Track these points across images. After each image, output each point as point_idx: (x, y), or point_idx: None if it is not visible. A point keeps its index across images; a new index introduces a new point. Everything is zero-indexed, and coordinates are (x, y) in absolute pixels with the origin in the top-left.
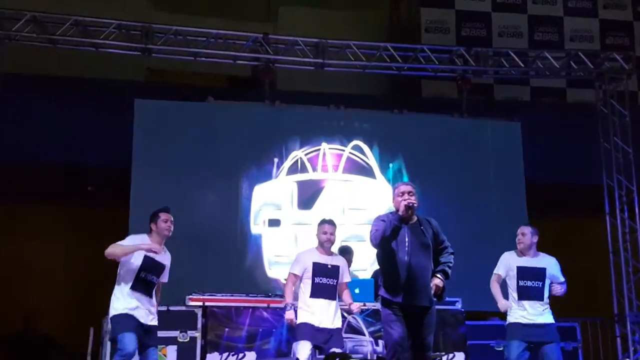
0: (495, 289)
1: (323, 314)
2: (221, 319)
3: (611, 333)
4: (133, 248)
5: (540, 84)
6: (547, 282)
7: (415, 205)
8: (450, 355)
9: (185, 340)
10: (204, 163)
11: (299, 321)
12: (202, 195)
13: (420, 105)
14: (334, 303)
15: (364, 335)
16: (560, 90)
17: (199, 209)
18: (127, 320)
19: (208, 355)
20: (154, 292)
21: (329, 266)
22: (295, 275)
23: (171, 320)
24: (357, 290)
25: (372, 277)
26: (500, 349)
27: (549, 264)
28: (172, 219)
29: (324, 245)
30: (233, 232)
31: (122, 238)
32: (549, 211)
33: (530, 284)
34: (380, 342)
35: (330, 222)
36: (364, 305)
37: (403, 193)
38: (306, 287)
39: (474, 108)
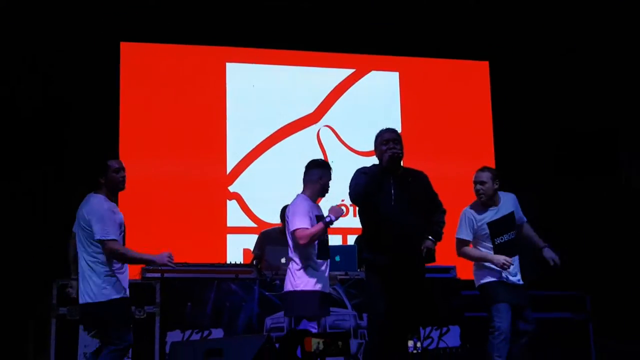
0: (473, 252)
1: None
2: (183, 292)
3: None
4: None
5: None
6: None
7: (400, 155)
8: (444, 329)
9: (142, 317)
10: None
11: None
12: None
13: None
14: None
15: (346, 307)
16: None
17: None
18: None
19: (169, 333)
20: None
21: None
22: None
23: None
24: (337, 258)
25: (355, 244)
26: None
27: (514, 204)
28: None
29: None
30: None
31: None
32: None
33: (507, 238)
34: (365, 315)
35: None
36: (346, 274)
37: (387, 141)
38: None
39: None
